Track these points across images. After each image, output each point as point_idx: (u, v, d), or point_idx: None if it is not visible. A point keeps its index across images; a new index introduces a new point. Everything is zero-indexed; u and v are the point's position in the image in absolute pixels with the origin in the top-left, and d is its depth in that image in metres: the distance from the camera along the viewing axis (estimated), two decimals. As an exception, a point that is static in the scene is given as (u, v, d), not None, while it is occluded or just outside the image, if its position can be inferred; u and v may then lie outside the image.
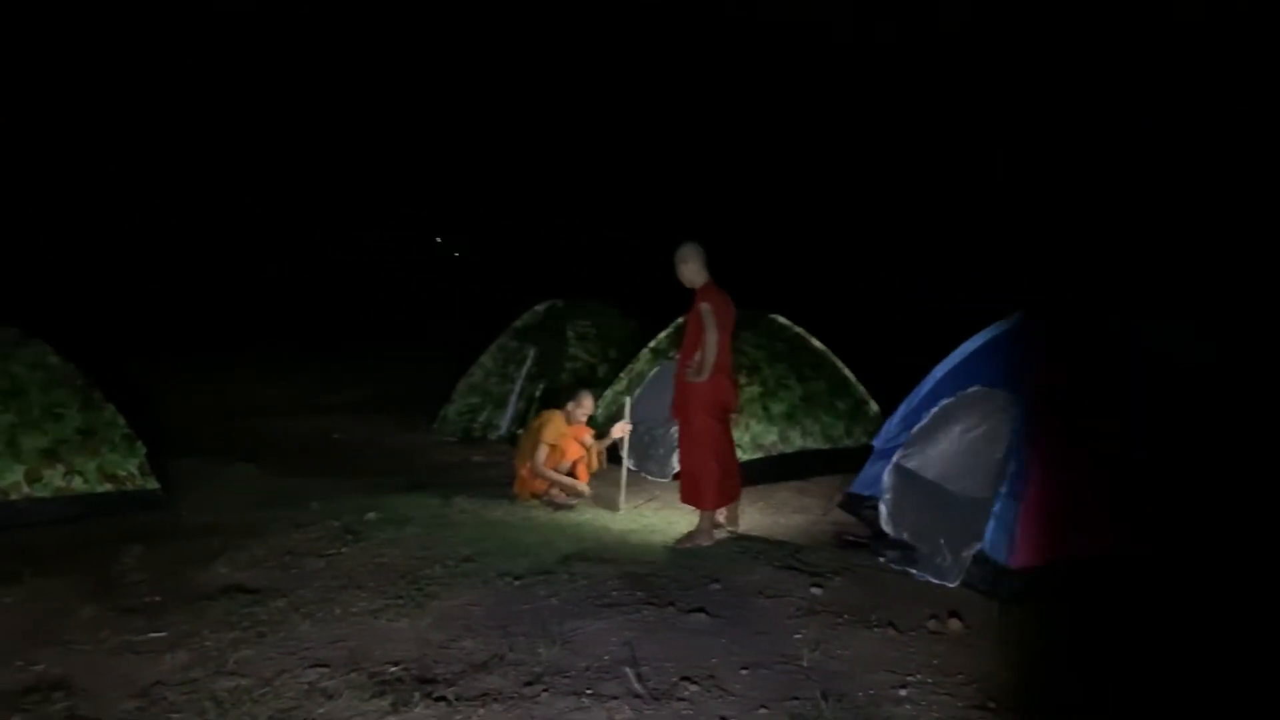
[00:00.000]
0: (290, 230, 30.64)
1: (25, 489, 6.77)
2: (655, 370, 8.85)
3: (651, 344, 9.11)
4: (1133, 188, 22.65)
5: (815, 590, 5.54)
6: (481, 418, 10.58)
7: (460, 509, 7.41)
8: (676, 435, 7.35)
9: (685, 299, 6.79)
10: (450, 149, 31.99)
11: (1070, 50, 24.91)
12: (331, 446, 10.15)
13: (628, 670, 4.42)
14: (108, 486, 7.03)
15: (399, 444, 10.31)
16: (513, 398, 10.48)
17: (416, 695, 4.15)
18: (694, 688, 4.28)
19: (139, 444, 7.30)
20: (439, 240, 33.76)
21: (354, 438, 10.64)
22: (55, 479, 6.87)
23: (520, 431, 9.60)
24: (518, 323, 11.24)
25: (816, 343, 9.43)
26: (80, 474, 6.96)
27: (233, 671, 4.41)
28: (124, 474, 7.12)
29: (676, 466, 7.78)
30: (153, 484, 7.23)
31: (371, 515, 7.07)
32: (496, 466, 9.04)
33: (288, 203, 30.84)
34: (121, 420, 7.32)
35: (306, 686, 4.27)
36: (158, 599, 5.36)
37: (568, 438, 7.65)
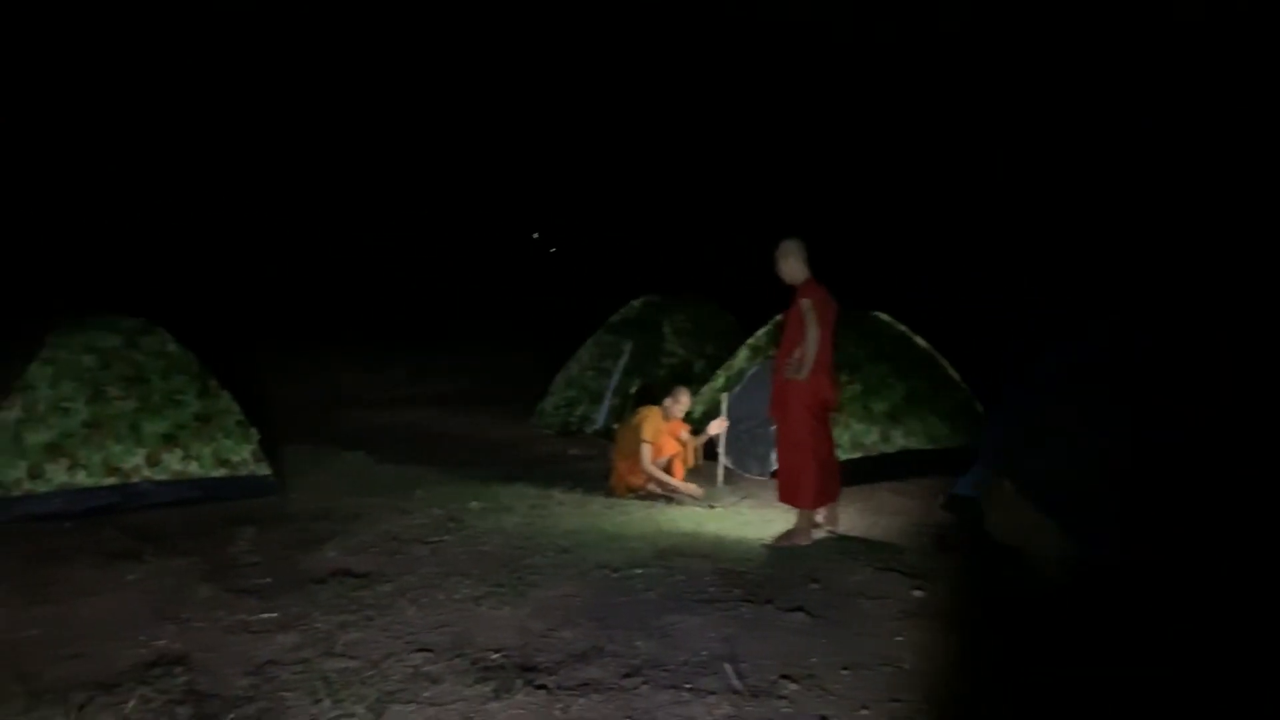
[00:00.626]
0: (390, 223, 31.33)
1: (145, 471, 7.07)
2: (754, 368, 8.79)
3: (750, 340, 9.06)
4: (1132, 187, 21.98)
5: (917, 593, 5.45)
6: (578, 411, 10.66)
7: (558, 501, 7.50)
8: (775, 433, 7.30)
9: (783, 295, 6.73)
10: (548, 145, 32.33)
11: (1070, 50, 24.18)
12: (432, 437, 10.34)
13: (727, 666, 4.41)
14: (222, 471, 7.30)
15: (497, 436, 10.46)
16: (608, 392, 10.53)
17: (518, 683, 4.21)
18: (794, 686, 4.25)
19: (252, 431, 7.56)
20: (535, 236, 34.15)
21: (454, 429, 10.83)
22: (173, 462, 7.16)
23: (616, 426, 9.65)
24: (614, 317, 11.30)
25: (920, 341, 9.25)
26: (197, 458, 7.23)
27: (341, 653, 4.54)
28: (237, 459, 7.38)
29: (775, 464, 7.72)
30: (264, 470, 7.47)
31: (473, 504, 7.21)
32: (593, 460, 9.10)
33: (389, 196, 31.54)
34: (236, 408, 7.59)
35: (412, 670, 4.36)
36: (269, 581, 5.54)
37: (665, 434, 7.66)
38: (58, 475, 6.82)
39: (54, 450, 6.88)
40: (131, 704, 4.01)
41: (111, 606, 5.14)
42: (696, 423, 8.34)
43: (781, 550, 6.33)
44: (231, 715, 3.91)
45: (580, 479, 8.22)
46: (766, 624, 4.97)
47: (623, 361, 10.62)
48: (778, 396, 6.57)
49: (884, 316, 9.32)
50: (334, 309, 22.95)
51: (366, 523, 6.71)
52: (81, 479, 6.86)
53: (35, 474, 6.77)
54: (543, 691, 4.15)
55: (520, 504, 7.33)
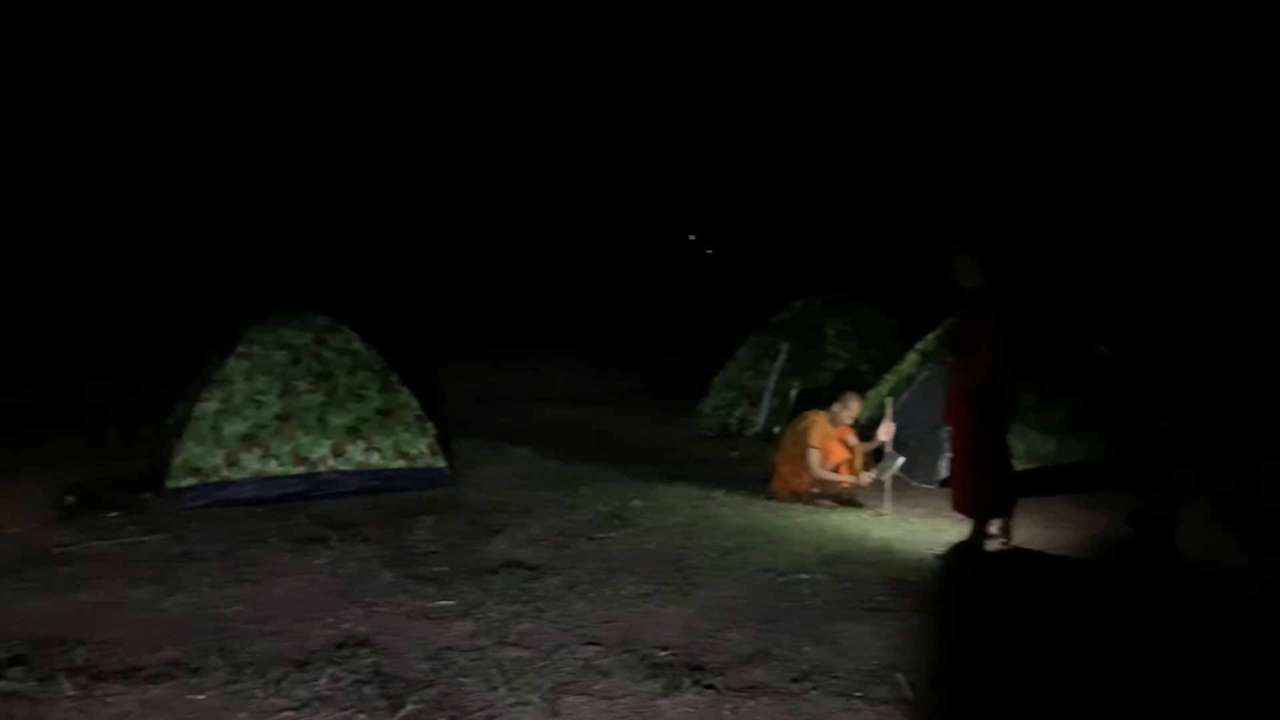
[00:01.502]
0: (555, 224, 32.00)
1: (331, 462, 7.47)
2: (924, 373, 8.58)
3: (919, 345, 8.84)
4: (1154, 189, 20.41)
5: (1096, 612, 5.21)
6: (737, 413, 10.64)
7: (720, 502, 7.51)
8: (946, 440, 7.11)
9: (947, 298, 6.56)
10: (707, 146, 32.39)
11: (1097, 48, 22.65)
12: (594, 435, 10.52)
13: (899, 676, 4.32)
14: (401, 463, 7.63)
15: (657, 435, 10.56)
16: (767, 394, 10.47)
17: (686, 681, 4.24)
18: (967, 700, 4.13)
19: (429, 424, 7.88)
20: (692, 238, 34.29)
21: (615, 427, 10.99)
22: (356, 454, 7.53)
23: (777, 430, 9.58)
24: (773, 319, 11.22)
25: (1102, 348, 8.83)
26: (378, 450, 7.59)
27: (515, 643, 4.67)
28: (415, 452, 7.71)
29: (944, 473, 7.52)
30: (440, 462, 7.78)
31: (636, 503, 7.31)
32: (753, 462, 9.07)
33: (555, 197, 32.21)
34: (415, 403, 7.92)
35: (582, 663, 4.45)
36: (446, 569, 5.76)
37: (832, 439, 7.56)
38: (252, 463, 7.27)
39: (248, 440, 7.34)
40: (322, 681, 4.24)
41: (302, 588, 5.45)
42: (863, 428, 8.20)
43: (953, 561, 6.15)
44: (414, 697, 4.08)
45: (741, 481, 8.20)
46: (938, 635, 4.85)
47: (780, 363, 10.54)
48: (951, 403, 6.40)
49: (1065, 322, 8.94)
50: (500, 307, 23.60)
51: (535, 517, 6.89)
52: (273, 468, 7.31)
53: (232, 462, 7.25)
54: (711, 691, 4.17)
55: (682, 504, 7.38)
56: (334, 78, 28.97)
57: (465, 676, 4.31)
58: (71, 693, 4.07)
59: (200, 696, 4.09)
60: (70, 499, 7.05)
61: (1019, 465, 7.29)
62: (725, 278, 29.40)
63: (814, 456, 7.43)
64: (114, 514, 6.76)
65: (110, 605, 5.12)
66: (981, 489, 6.26)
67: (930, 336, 8.80)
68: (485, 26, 30.52)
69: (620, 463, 8.94)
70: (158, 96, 26.09)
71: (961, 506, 6.40)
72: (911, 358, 8.88)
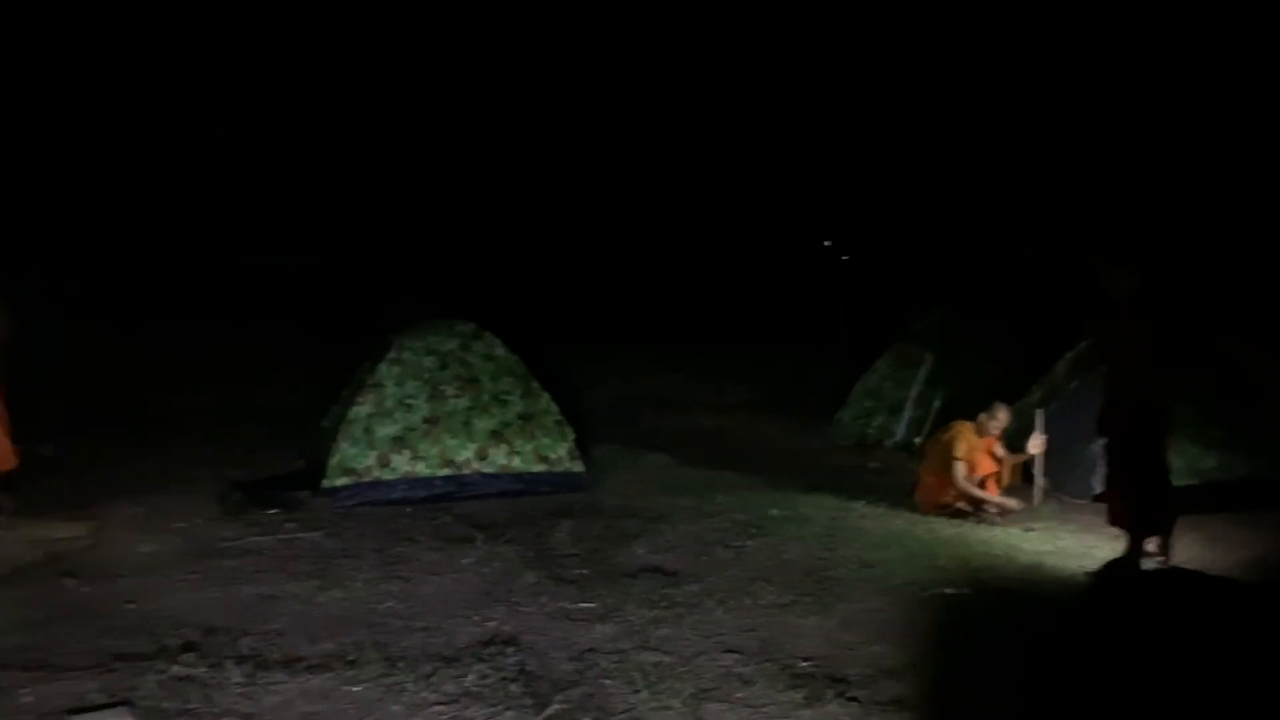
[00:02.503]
0: (692, 230, 32.04)
1: (475, 464, 7.69)
2: (1075, 383, 8.26)
3: (1069, 354, 8.52)
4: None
5: (1258, 636, 4.91)
6: (876, 423, 10.45)
7: (860, 513, 7.40)
8: (1098, 453, 6.82)
9: (1094, 307, 6.31)
10: (841, 151, 31.95)
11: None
12: (731, 442, 10.49)
13: (1045, 696, 4.18)
14: (541, 467, 7.80)
15: (794, 444, 10.47)
16: (908, 404, 10.25)
17: (829, 693, 4.20)
18: (1128, 726, 3.97)
19: (568, 429, 8.03)
20: (828, 244, 33.79)
21: (752, 435, 10.95)
22: (499, 457, 7.73)
23: (918, 440, 9.37)
24: (914, 327, 10.98)
25: (1264, 358, 8.33)
26: (519, 454, 7.78)
27: (655, 647, 4.72)
28: (554, 456, 7.87)
29: (1097, 487, 7.21)
30: (578, 467, 7.92)
31: (773, 511, 7.27)
32: (893, 474, 8.90)
33: (694, 203, 32.26)
34: (555, 408, 8.08)
35: (723, 670, 4.46)
36: (586, 572, 5.85)
37: (979, 451, 7.35)
38: (401, 465, 7.55)
39: (398, 442, 7.62)
40: (471, 678, 4.37)
41: (450, 586, 5.63)
42: (1011, 439, 7.95)
43: (1106, 579, 5.90)
44: (559, 697, 4.16)
45: (881, 492, 8.06)
46: (1091, 657, 4.66)
47: (923, 373, 10.31)
48: (1107, 415, 6.14)
49: (1224, 333, 8.47)
50: (635, 312, 23.74)
51: (672, 523, 6.93)
52: (421, 469, 7.57)
53: (383, 463, 7.54)
54: (855, 704, 4.11)
55: (820, 514, 7.30)
56: (479, 82, 29.81)
57: (608, 679, 4.37)
58: (238, 680, 4.30)
59: (356, 688, 4.27)
60: (236, 496, 7.46)
61: (1178, 481, 6.94)
62: (863, 284, 28.89)
63: (960, 469, 7.24)
64: (274, 511, 7.11)
65: (272, 598, 5.39)
66: (1139, 504, 5.99)
67: (1082, 345, 8.47)
68: (640, 24, 30.82)
69: (756, 470, 8.90)
70: (317, 108, 27.39)
71: (1118, 520, 6.13)
72: (1062, 367, 8.56)
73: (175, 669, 4.37)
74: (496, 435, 7.79)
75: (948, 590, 5.59)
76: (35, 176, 22.20)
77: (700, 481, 8.32)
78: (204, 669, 4.39)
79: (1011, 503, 7.30)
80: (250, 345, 15.97)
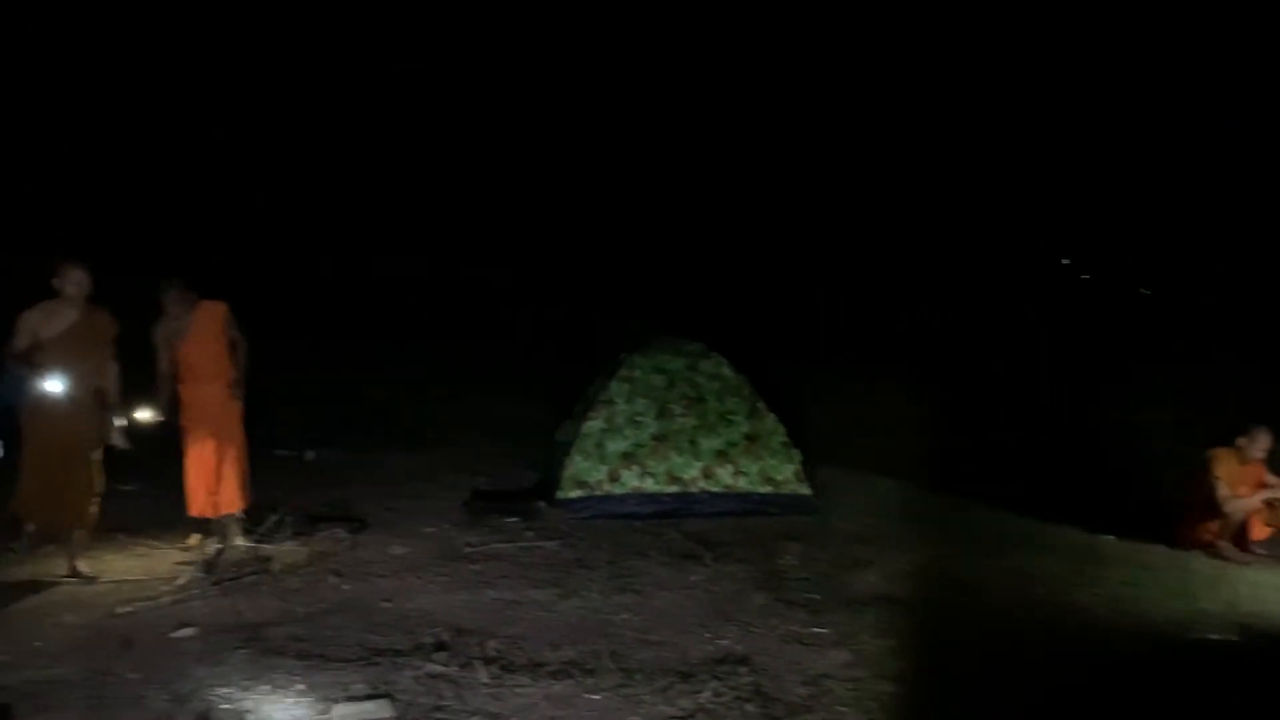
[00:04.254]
0: (906, 248, 31.20)
1: (701, 483, 7.76)
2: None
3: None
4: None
5: None
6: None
7: (1109, 545, 6.99)
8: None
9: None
10: (1079, 160, 30.29)
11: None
12: (960, 467, 10.06)
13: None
14: (767, 488, 7.78)
15: (1028, 470, 9.94)
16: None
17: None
18: None
19: (795, 451, 7.97)
20: (1065, 262, 32.10)
21: (982, 459, 10.46)
22: (725, 477, 7.77)
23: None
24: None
25: None
26: (745, 475, 7.79)
27: (893, 678, 4.60)
28: (781, 478, 7.83)
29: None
30: (805, 489, 7.85)
31: (1011, 540, 6.95)
32: (1144, 505, 8.30)
33: (905, 220, 31.44)
34: (781, 429, 8.04)
35: (966, 709, 4.30)
36: (817, 597, 5.80)
37: (1243, 480, 6.74)
38: (630, 480, 7.72)
39: (628, 458, 7.80)
40: (705, 694, 4.41)
41: (680, 602, 5.70)
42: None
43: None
44: (794, 721, 4.14)
45: (1131, 523, 7.52)
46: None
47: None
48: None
49: None
50: (861, 331, 23.23)
51: (903, 550, 6.75)
52: (649, 485, 7.71)
53: (613, 477, 7.74)
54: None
55: (1062, 543, 6.94)
56: (699, 100, 30.25)
57: (843, 706, 4.31)
58: (486, 680, 4.52)
59: (596, 696, 4.40)
60: (478, 503, 7.86)
61: None
62: (1102, 304, 27.25)
63: (1221, 488, 6.66)
64: (513, 519, 7.43)
65: (514, 603, 5.64)
66: None
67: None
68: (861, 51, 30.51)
69: (990, 497, 8.52)
70: (548, 124, 28.59)
71: None
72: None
73: (429, 666, 4.64)
74: (722, 455, 7.84)
75: (1212, 635, 5.17)
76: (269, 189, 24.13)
77: (931, 507, 8.09)
78: (455, 668, 4.64)
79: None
80: (476, 357, 16.76)
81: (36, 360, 5.58)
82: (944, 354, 20.52)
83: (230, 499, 6.59)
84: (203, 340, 6.51)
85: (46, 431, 5.72)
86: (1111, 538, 7.16)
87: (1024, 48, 29.85)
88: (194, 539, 6.56)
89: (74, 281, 5.73)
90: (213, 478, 6.51)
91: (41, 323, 5.70)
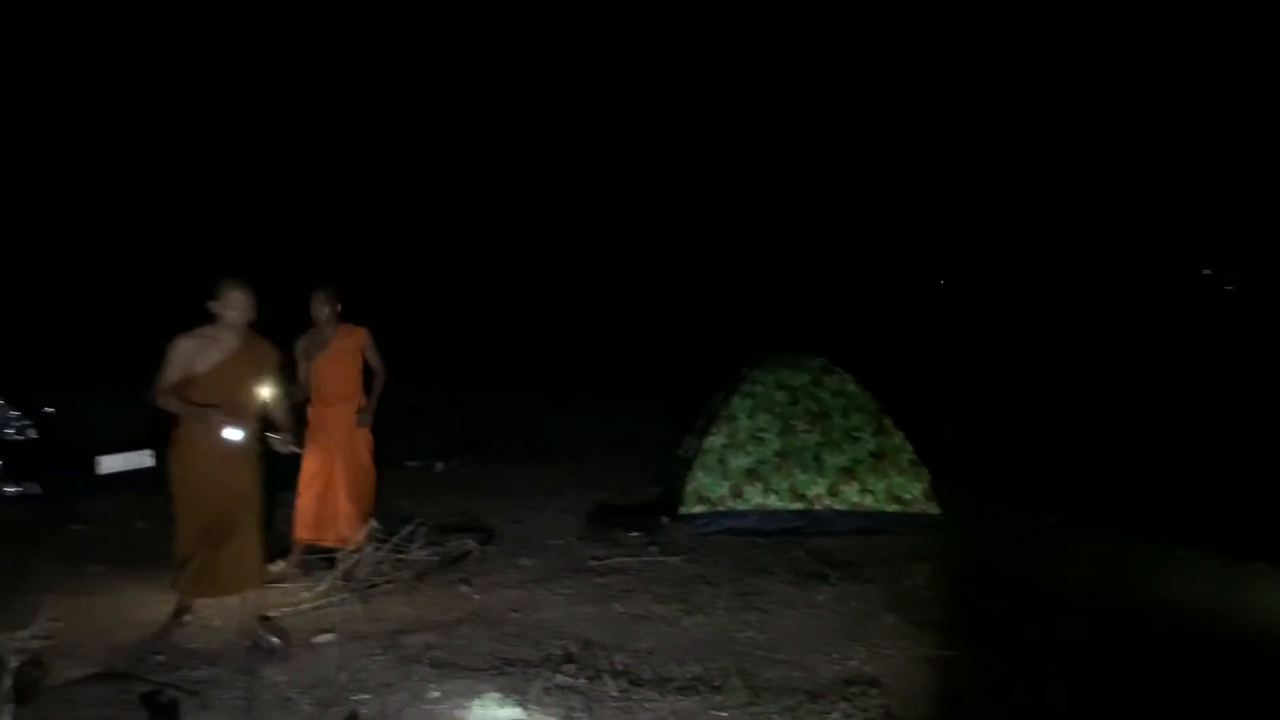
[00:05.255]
0: (1036, 258, 30.25)
1: (826, 500, 7.66)
2: None
3: None
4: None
5: None
6: None
7: (1259, 575, 6.59)
8: None
9: None
10: (1228, 171, 28.89)
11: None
12: (1093, 488, 9.67)
13: None
14: (895, 506, 7.64)
15: (1165, 493, 9.49)
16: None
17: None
18: None
19: (923, 470, 7.81)
20: (1207, 273, 30.64)
21: (1116, 483, 10.03)
22: (851, 495, 7.66)
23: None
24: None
25: None
26: (872, 493, 7.67)
27: (1028, 705, 4.47)
28: (909, 496, 7.68)
29: None
30: (934, 509, 7.68)
31: (1147, 567, 6.65)
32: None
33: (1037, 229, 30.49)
34: (909, 447, 7.90)
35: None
36: (946, 619, 5.66)
37: None
38: (754, 496, 7.68)
39: (751, 474, 7.77)
40: (834, 716, 4.37)
41: (807, 621, 5.65)
42: None
43: None
44: (928, 746, 4.06)
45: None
46: None
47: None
48: None
49: None
50: (990, 343, 22.53)
51: (1034, 573, 6.56)
52: (773, 502, 7.66)
53: (736, 493, 7.71)
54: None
55: (1203, 570, 6.59)
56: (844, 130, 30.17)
57: (978, 732, 4.20)
58: (615, 694, 4.57)
59: (723, 714, 4.40)
60: (601, 517, 7.95)
61: None
62: (1248, 318, 25.86)
63: None
64: (636, 533, 7.49)
65: (640, 618, 5.68)
66: None
67: None
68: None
69: (1122, 521, 8.15)
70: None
71: None
72: None
73: (558, 678, 4.72)
74: (848, 472, 7.74)
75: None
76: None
77: (1063, 527, 7.81)
78: (584, 680, 4.70)
79: None
80: (599, 373, 16.97)
81: (192, 397, 4.95)
82: (1073, 368, 19.80)
83: (346, 529, 6.38)
84: (337, 361, 6.42)
85: (207, 485, 5.03)
86: (1262, 564, 6.77)
87: (1180, 48, 28.74)
88: (278, 565, 6.22)
89: (235, 305, 5.04)
90: (326, 504, 6.37)
91: (197, 353, 5.02)
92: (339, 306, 6.44)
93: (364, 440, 6.61)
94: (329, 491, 6.44)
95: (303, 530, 6.44)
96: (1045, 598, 6.04)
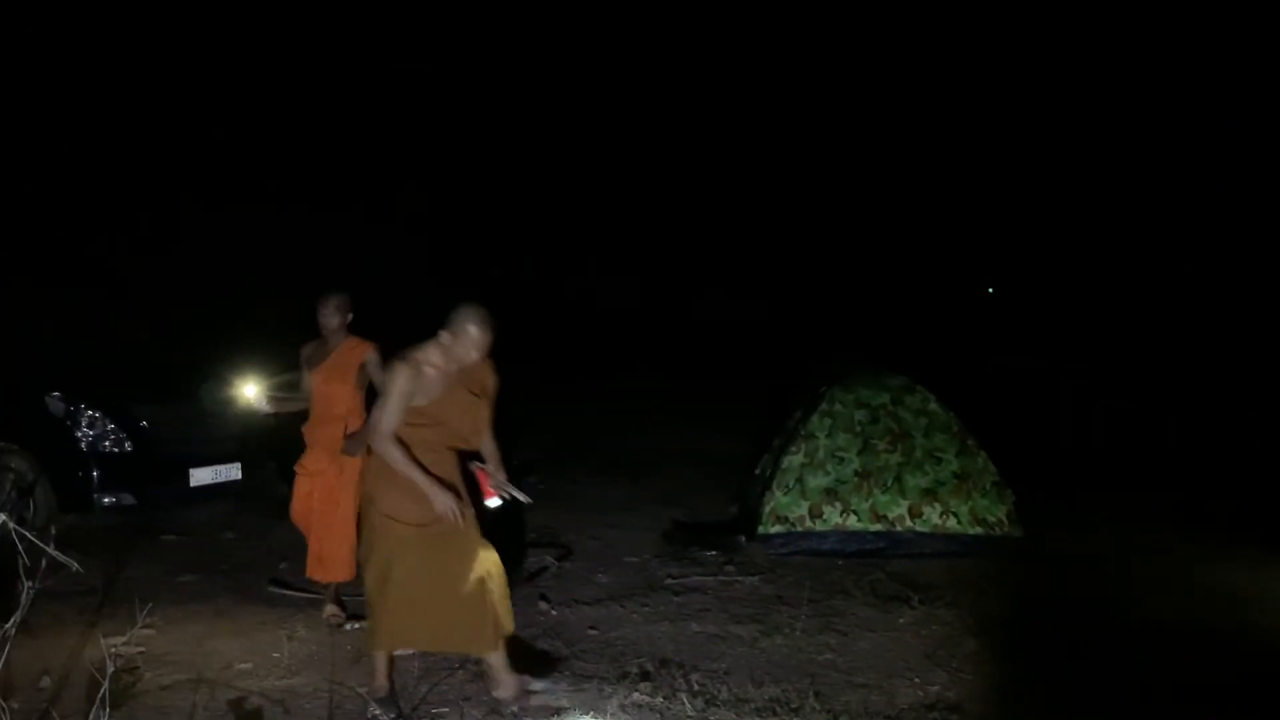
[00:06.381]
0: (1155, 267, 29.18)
1: (908, 522, 7.53)
2: None
3: None
4: None
5: None
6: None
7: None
8: None
9: None
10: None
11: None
12: (1191, 511, 9.34)
13: None
14: (978, 529, 7.48)
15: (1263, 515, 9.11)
16: None
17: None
18: None
19: (1008, 491, 7.64)
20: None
21: (1216, 504, 9.68)
22: (933, 516, 7.52)
23: None
24: None
25: None
26: (954, 515, 7.52)
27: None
28: (993, 519, 7.51)
29: None
30: (1018, 531, 7.50)
31: (1248, 593, 6.40)
32: None
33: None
34: (993, 468, 7.73)
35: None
36: (1029, 646, 5.53)
37: None
38: (833, 517, 7.59)
39: (830, 494, 7.68)
40: (916, 742, 4.28)
41: (887, 644, 5.55)
42: None
43: None
44: (1012, 776, 3.95)
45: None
46: None
47: None
48: None
49: None
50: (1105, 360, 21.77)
51: (1133, 604, 6.30)
52: (852, 523, 7.56)
53: (815, 514, 7.63)
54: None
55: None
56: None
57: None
58: (691, 713, 4.54)
59: (801, 736, 4.34)
60: (678, 535, 7.94)
61: None
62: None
63: None
64: (712, 553, 7.46)
65: (716, 637, 5.65)
66: None
67: None
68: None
69: (1225, 548, 7.84)
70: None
71: None
72: None
73: (635, 695, 4.70)
74: (929, 493, 7.60)
75: None
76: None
77: (1160, 556, 7.53)
78: (660, 699, 4.67)
79: None
80: (685, 391, 16.95)
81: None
82: (1175, 385, 19.10)
83: (336, 566, 5.72)
84: (332, 376, 5.69)
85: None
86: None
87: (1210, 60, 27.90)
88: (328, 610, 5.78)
89: (473, 345, 4.27)
90: (314, 535, 5.76)
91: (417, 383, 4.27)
92: (350, 316, 5.75)
93: (350, 474, 5.58)
94: (316, 524, 5.76)
95: (311, 569, 5.86)
96: (1138, 628, 5.83)
